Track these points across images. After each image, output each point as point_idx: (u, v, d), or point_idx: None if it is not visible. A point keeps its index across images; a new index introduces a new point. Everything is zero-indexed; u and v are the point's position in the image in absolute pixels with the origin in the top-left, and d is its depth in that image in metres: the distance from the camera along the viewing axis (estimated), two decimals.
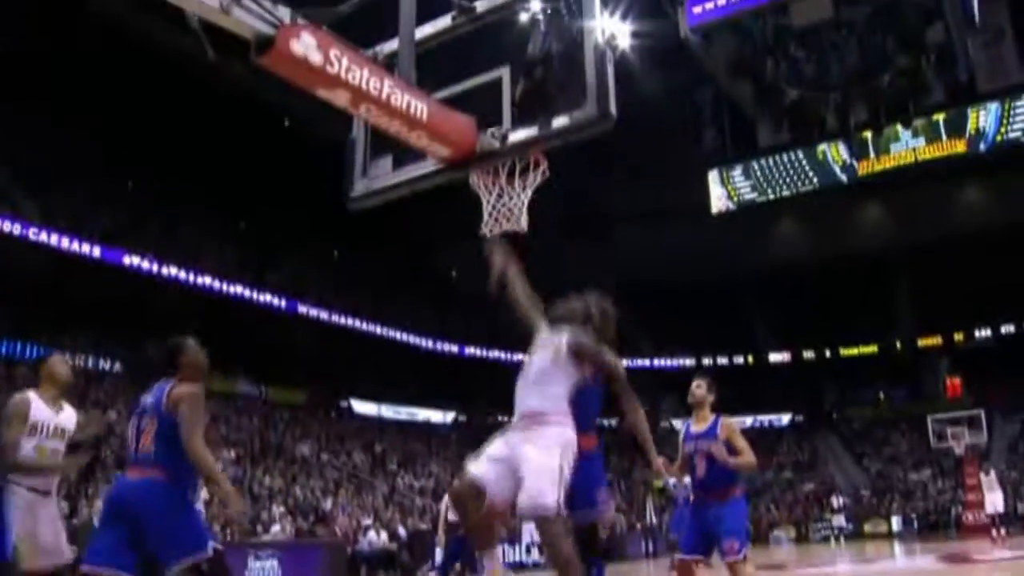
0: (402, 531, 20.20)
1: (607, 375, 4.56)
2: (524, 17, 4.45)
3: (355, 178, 4.60)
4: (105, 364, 25.33)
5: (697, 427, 5.96)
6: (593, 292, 4.72)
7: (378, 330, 33.82)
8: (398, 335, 34.76)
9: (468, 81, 4.46)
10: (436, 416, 36.56)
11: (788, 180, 38.83)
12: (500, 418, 24.77)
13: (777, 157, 37.96)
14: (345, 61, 3.63)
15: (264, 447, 24.89)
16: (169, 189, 29.60)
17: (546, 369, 4.26)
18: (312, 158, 23.09)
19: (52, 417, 5.21)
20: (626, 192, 42.58)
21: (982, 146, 35.08)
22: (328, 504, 21.23)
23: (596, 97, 3.97)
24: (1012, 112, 34.22)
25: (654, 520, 26.75)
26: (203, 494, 10.71)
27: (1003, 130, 34.58)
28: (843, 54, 8.23)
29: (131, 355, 26.05)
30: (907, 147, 35.86)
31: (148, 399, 4.54)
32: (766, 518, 34.10)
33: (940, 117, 34.79)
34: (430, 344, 36.21)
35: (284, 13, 3.52)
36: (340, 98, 3.73)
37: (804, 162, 38.06)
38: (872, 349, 42.27)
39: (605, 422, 28.76)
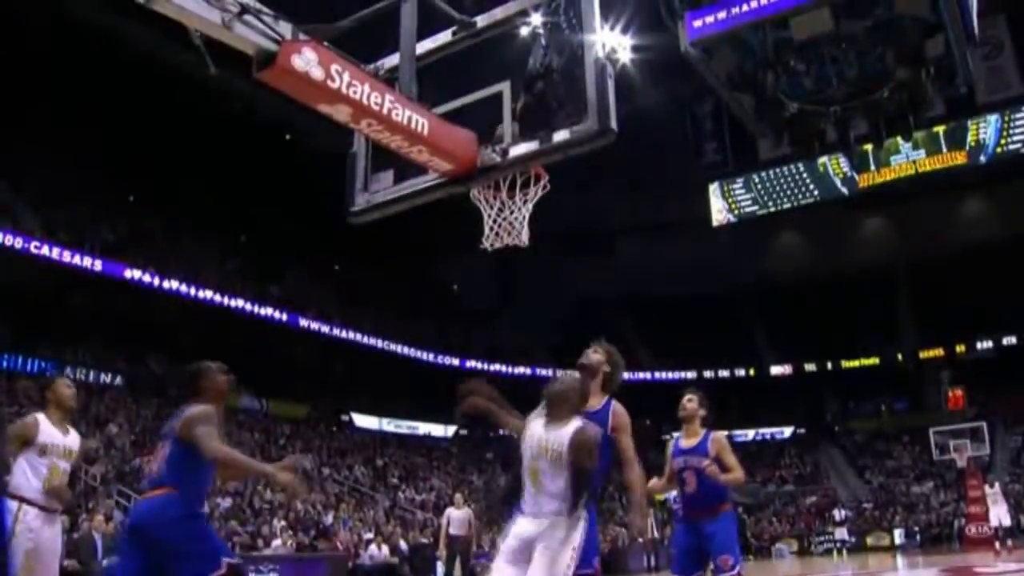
0: (403, 545, 20.12)
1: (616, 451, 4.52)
2: (525, 32, 4.46)
3: (356, 192, 4.60)
4: (106, 378, 25.30)
5: (687, 442, 5.86)
6: (601, 342, 4.66)
7: (379, 344, 33.81)
8: (399, 349, 34.73)
9: (469, 96, 4.47)
10: (437, 430, 36.48)
11: (789, 193, 38.94)
12: (501, 432, 24.74)
13: (778, 170, 38.11)
14: (346, 76, 3.64)
15: (265, 461, 24.75)
16: (170, 202, 29.65)
17: (556, 473, 4.16)
18: (313, 172, 23.16)
19: (62, 439, 5.33)
20: (627, 205, 42.65)
21: (982, 158, 35.20)
22: (329, 518, 21.16)
23: (597, 111, 3.98)
24: (1012, 124, 34.34)
25: (656, 534, 26.64)
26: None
27: (1003, 142, 34.69)
28: (843, 67, 8.25)
29: (132, 369, 26.06)
30: (908, 159, 36.00)
31: (168, 424, 4.61)
32: (768, 531, 33.97)
33: (940, 129, 34.94)
34: (431, 358, 36.16)
35: (286, 29, 3.53)
36: (341, 113, 3.74)
37: (805, 175, 38.18)
38: (874, 361, 42.16)
39: None
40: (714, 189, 39.83)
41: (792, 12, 8.18)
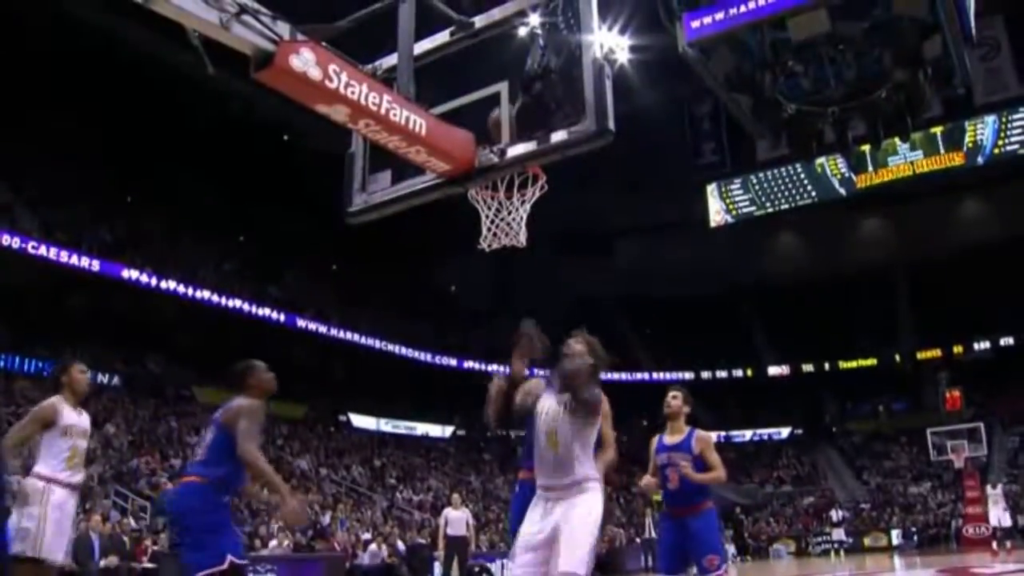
0: (401, 545, 20.10)
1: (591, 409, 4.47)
2: (523, 32, 4.46)
3: (353, 192, 4.59)
4: (104, 378, 25.25)
5: (671, 439, 5.90)
6: (583, 333, 4.61)
7: (377, 344, 33.78)
8: (397, 349, 34.71)
9: (467, 96, 4.47)
10: (435, 430, 36.46)
11: (787, 194, 38.97)
12: (498, 432, 24.73)
13: (775, 171, 38.13)
14: (344, 76, 3.64)
15: None
16: (168, 203, 29.64)
17: (571, 431, 4.16)
18: (311, 172, 23.15)
19: (79, 420, 5.55)
20: (625, 206, 42.68)
21: (980, 159, 35.23)
22: (327, 519, 21.15)
23: (594, 112, 3.97)
24: (1009, 125, 34.37)
25: (653, 533, 26.63)
26: None
27: (1001, 142, 34.72)
28: (841, 68, 8.26)
29: (130, 369, 26.03)
30: (905, 160, 36.03)
31: (213, 415, 4.86)
32: (766, 532, 33.98)
33: (938, 130, 34.96)
34: (429, 358, 36.15)
35: (283, 29, 3.53)
36: (339, 113, 3.74)
37: (803, 176, 38.20)
38: (871, 362, 42.18)
39: None
40: (712, 190, 39.86)
41: (790, 13, 8.20)
